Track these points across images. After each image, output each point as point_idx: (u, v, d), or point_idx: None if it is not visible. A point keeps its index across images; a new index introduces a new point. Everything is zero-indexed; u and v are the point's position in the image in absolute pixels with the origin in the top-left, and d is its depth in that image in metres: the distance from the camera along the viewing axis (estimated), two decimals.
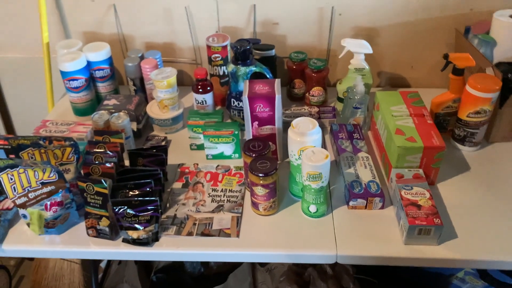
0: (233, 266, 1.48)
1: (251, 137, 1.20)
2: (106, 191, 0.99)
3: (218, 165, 1.24)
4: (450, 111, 1.28)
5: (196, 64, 1.57)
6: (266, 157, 1.05)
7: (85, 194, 1.00)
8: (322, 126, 1.36)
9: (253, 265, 1.49)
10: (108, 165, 1.03)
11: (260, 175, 1.01)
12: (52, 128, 1.34)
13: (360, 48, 1.32)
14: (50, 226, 1.04)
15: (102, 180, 0.97)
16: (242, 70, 1.26)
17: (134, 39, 1.53)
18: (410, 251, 0.99)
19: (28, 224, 1.05)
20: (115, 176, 1.04)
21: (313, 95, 1.42)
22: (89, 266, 1.55)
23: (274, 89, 1.15)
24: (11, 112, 1.75)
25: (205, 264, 1.57)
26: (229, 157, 1.26)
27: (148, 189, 1.04)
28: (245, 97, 1.13)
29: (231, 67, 1.27)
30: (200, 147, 1.30)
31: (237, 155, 1.26)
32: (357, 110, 1.30)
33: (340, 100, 1.41)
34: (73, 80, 1.34)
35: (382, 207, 1.10)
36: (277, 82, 1.18)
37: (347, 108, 1.31)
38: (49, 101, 1.52)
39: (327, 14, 1.43)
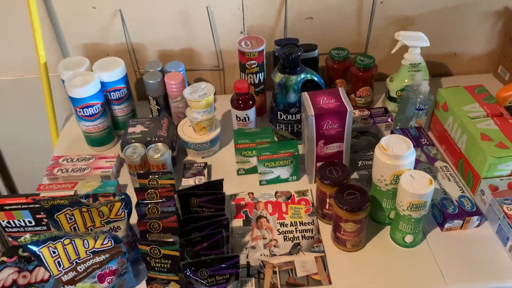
0: None
1: (314, 159, 1.04)
2: (177, 254, 0.81)
3: (276, 192, 1.08)
4: None
5: (218, 70, 1.37)
6: (352, 186, 0.90)
7: (148, 258, 0.82)
8: (377, 131, 1.22)
9: None
10: (170, 218, 0.84)
11: (352, 210, 0.86)
12: (69, 166, 1.13)
13: (417, 41, 1.17)
14: None
15: (174, 241, 0.79)
16: (293, 79, 1.08)
17: (145, 48, 1.31)
18: None
19: None
20: (178, 231, 0.86)
21: (360, 96, 1.27)
22: None
23: (343, 102, 0.99)
24: (3, 148, 1.49)
25: None
26: (285, 180, 1.10)
27: (220, 239, 0.87)
28: (311, 116, 0.96)
29: (279, 77, 1.09)
30: (249, 171, 1.13)
31: (295, 177, 1.10)
32: (420, 111, 1.16)
33: (392, 99, 1.27)
34: (87, 107, 1.12)
35: (478, 225, 0.98)
36: (342, 91, 1.02)
37: (407, 109, 1.17)
38: (52, 130, 1.28)
39: (368, 3, 1.27)
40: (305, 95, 1.02)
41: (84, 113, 1.13)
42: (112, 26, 1.26)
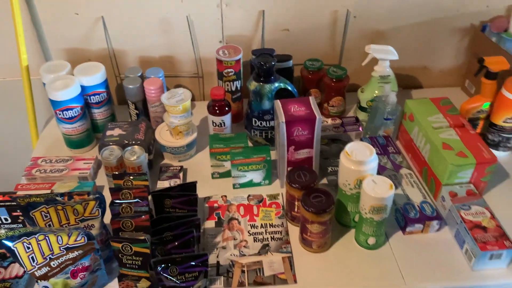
0: None
1: (285, 164, 1.09)
2: (147, 251, 0.84)
3: (249, 195, 1.12)
4: (480, 116, 1.23)
5: (197, 77, 1.42)
6: (318, 190, 0.95)
7: (120, 255, 0.85)
8: (348, 139, 1.27)
9: None
10: (143, 217, 0.88)
11: (318, 212, 0.91)
12: (47, 167, 1.16)
13: (386, 54, 1.23)
14: None
15: (145, 238, 0.83)
16: (267, 87, 1.13)
17: (126, 54, 1.35)
18: (480, 277, 0.94)
19: None
20: (150, 229, 0.90)
21: (332, 106, 1.32)
22: None
23: (312, 110, 1.04)
24: None
25: None
26: (258, 184, 1.15)
27: (191, 239, 0.91)
28: (282, 123, 1.01)
29: (253, 85, 1.14)
30: (224, 175, 1.17)
31: (267, 181, 1.14)
32: (388, 121, 1.21)
33: (362, 109, 1.32)
34: (67, 110, 1.15)
35: (439, 229, 1.03)
36: (312, 100, 1.07)
37: (376, 119, 1.22)
38: (32, 132, 1.31)
39: (341, 18, 1.33)
40: (277, 103, 1.06)
41: (63, 115, 1.16)
42: (94, 32, 1.30)
